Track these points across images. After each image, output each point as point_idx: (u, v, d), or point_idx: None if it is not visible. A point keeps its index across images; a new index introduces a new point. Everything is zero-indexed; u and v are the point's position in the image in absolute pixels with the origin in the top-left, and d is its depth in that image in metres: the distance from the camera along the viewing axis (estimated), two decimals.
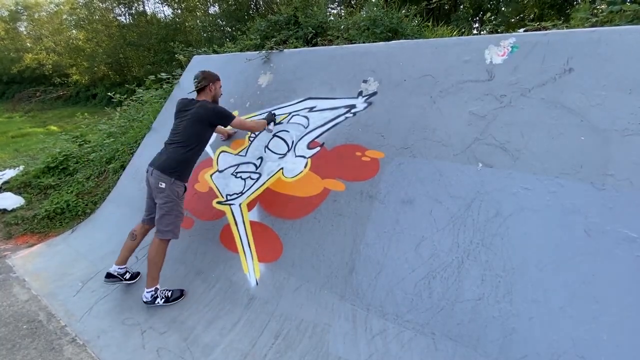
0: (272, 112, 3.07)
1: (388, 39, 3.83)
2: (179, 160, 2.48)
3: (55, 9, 22.95)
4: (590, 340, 1.53)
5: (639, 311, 1.50)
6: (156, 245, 2.45)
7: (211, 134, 2.71)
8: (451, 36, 3.98)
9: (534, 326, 1.65)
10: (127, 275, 2.71)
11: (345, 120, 2.71)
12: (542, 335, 1.62)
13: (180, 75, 4.69)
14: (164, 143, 2.63)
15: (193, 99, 2.66)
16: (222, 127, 3.03)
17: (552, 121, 1.96)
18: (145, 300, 2.46)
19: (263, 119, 2.99)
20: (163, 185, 2.42)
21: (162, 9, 20.99)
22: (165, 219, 2.45)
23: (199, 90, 2.65)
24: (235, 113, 3.43)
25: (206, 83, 2.64)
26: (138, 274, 2.79)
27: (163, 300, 2.48)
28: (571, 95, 1.95)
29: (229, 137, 3.33)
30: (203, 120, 2.53)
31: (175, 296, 2.52)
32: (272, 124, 2.97)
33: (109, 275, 2.65)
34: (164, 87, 5.56)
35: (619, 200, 1.67)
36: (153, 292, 2.46)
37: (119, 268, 2.67)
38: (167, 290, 2.53)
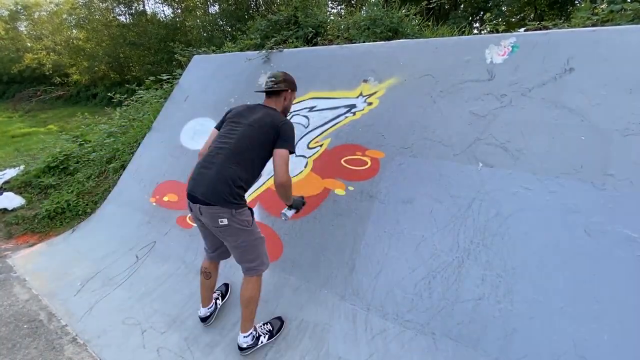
0: (304, 202, 2.19)
1: (388, 39, 3.83)
2: (234, 179, 1.82)
3: (55, 9, 22.96)
4: (590, 340, 1.54)
5: (639, 311, 1.50)
6: (251, 285, 1.98)
7: (268, 153, 1.95)
8: (452, 36, 3.98)
9: (534, 326, 1.65)
10: (220, 302, 2.34)
11: (346, 119, 2.71)
12: (542, 335, 1.62)
13: (181, 75, 4.68)
14: (206, 156, 1.93)
15: (260, 104, 2.06)
16: None
17: (552, 121, 1.96)
18: (246, 345, 1.98)
19: (295, 199, 2.13)
20: (225, 221, 1.80)
21: (162, 8, 20.99)
22: (247, 255, 1.95)
23: (271, 94, 2.07)
24: None
25: (285, 87, 2.06)
26: (227, 287, 2.45)
27: (267, 336, 2.05)
28: (571, 95, 1.95)
29: None
30: (269, 131, 1.90)
31: (278, 327, 2.11)
32: (293, 211, 2.13)
33: (205, 319, 2.23)
34: (164, 87, 5.56)
35: (619, 200, 1.67)
36: (253, 333, 2.01)
37: (208, 309, 2.24)
38: (264, 324, 2.11)
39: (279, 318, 2.18)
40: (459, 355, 1.74)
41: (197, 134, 3.55)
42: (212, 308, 2.27)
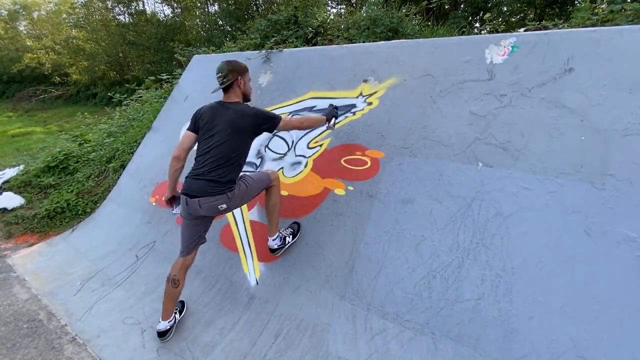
0: (335, 106, 2.50)
1: (388, 39, 3.83)
2: (227, 174, 2.03)
3: (54, 9, 22.94)
4: (590, 340, 1.54)
5: (639, 311, 1.50)
6: (274, 191, 2.32)
7: (250, 145, 2.17)
8: (452, 36, 3.98)
9: (534, 326, 1.65)
10: (178, 316, 2.32)
11: (346, 119, 2.71)
12: (542, 335, 1.62)
13: (180, 75, 4.68)
14: (196, 164, 2.09)
15: (220, 103, 2.12)
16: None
17: (552, 121, 1.96)
18: (276, 246, 2.36)
19: (324, 114, 2.45)
20: (224, 206, 2.04)
21: (161, 8, 20.98)
22: (256, 188, 2.22)
23: (226, 89, 2.12)
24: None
25: (233, 78, 2.08)
26: (183, 304, 2.43)
27: (291, 236, 2.43)
28: (571, 95, 1.95)
29: None
30: (243, 130, 2.04)
31: (297, 227, 2.48)
32: (332, 120, 2.42)
33: (162, 334, 2.18)
34: (163, 86, 5.56)
35: (619, 200, 1.67)
36: (280, 236, 2.38)
37: (168, 322, 2.21)
38: (285, 229, 2.45)
39: (295, 222, 2.49)
40: (458, 355, 1.74)
41: None
42: (172, 322, 2.23)
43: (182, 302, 2.43)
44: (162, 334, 2.17)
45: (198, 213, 2.07)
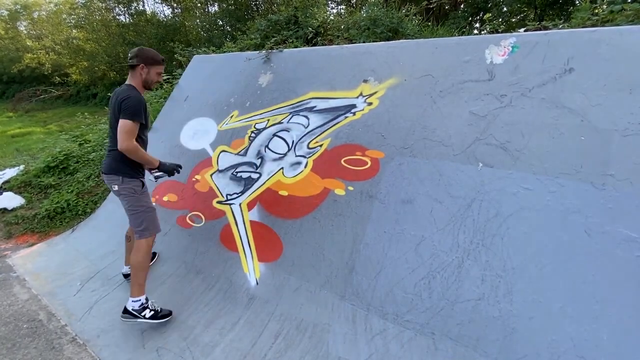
0: (179, 166, 2.49)
1: (388, 39, 3.84)
2: (116, 158, 2.21)
3: (54, 9, 22.95)
4: (590, 340, 1.54)
5: (639, 311, 1.50)
6: (140, 247, 2.25)
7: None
8: (452, 36, 3.98)
9: (534, 326, 1.65)
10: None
11: (346, 119, 2.71)
12: (542, 335, 1.62)
13: (181, 75, 4.68)
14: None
15: (120, 85, 2.32)
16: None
17: (552, 121, 1.96)
18: (132, 309, 2.22)
19: (170, 165, 2.42)
20: (115, 187, 2.26)
21: (161, 8, 20.99)
22: (135, 219, 2.30)
23: (130, 68, 2.27)
24: (235, 113, 3.40)
25: (137, 62, 2.23)
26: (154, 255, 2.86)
27: (152, 314, 2.24)
28: (571, 95, 1.95)
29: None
30: (116, 114, 2.16)
31: (164, 314, 2.30)
32: (157, 172, 2.38)
33: (126, 276, 2.72)
34: (164, 87, 5.56)
35: (619, 200, 1.67)
36: (143, 302, 2.25)
37: (129, 268, 2.57)
38: (155, 303, 2.33)
39: (170, 311, 2.35)
40: (458, 355, 1.74)
41: (197, 133, 3.55)
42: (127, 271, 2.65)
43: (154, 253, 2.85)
44: (125, 276, 2.73)
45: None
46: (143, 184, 2.37)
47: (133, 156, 2.17)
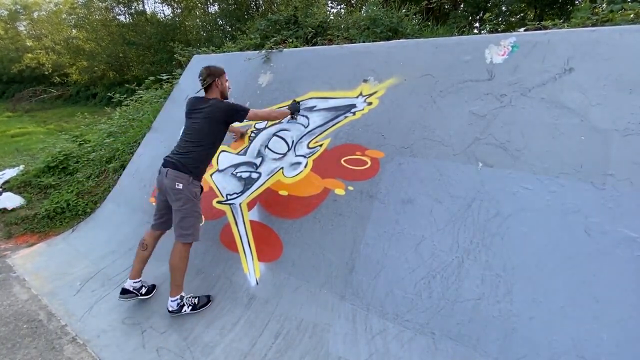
0: (297, 101, 2.98)
1: (388, 39, 3.83)
2: (195, 158, 2.37)
3: (54, 9, 22.95)
4: (590, 340, 1.54)
5: (639, 311, 1.50)
6: (179, 251, 2.32)
7: (225, 133, 2.56)
8: (452, 36, 3.98)
9: (534, 326, 1.65)
10: (143, 290, 2.53)
11: (345, 119, 2.71)
12: (542, 335, 1.62)
13: (180, 75, 4.68)
14: (177, 143, 2.49)
15: (203, 98, 2.54)
16: (236, 126, 3.03)
17: (552, 121, 1.96)
18: (171, 309, 2.33)
19: (288, 108, 2.91)
20: (180, 186, 2.28)
21: (161, 8, 20.99)
22: (185, 222, 2.31)
23: (206, 89, 2.53)
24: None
25: (211, 80, 2.50)
26: (154, 287, 2.63)
27: (190, 307, 2.36)
28: (571, 95, 1.95)
29: (242, 137, 3.22)
30: (218, 120, 2.42)
31: (203, 303, 2.40)
32: (296, 114, 2.92)
33: (124, 291, 2.44)
34: (164, 87, 5.56)
35: (619, 200, 1.67)
36: (179, 300, 2.34)
37: (134, 282, 2.48)
38: (192, 297, 2.41)
39: (208, 296, 2.46)
40: (458, 355, 1.74)
41: None
42: (137, 285, 2.49)
43: (154, 285, 2.64)
44: (123, 292, 2.45)
45: (162, 184, 2.34)
46: (202, 190, 2.49)
47: (275, 117, 2.86)
